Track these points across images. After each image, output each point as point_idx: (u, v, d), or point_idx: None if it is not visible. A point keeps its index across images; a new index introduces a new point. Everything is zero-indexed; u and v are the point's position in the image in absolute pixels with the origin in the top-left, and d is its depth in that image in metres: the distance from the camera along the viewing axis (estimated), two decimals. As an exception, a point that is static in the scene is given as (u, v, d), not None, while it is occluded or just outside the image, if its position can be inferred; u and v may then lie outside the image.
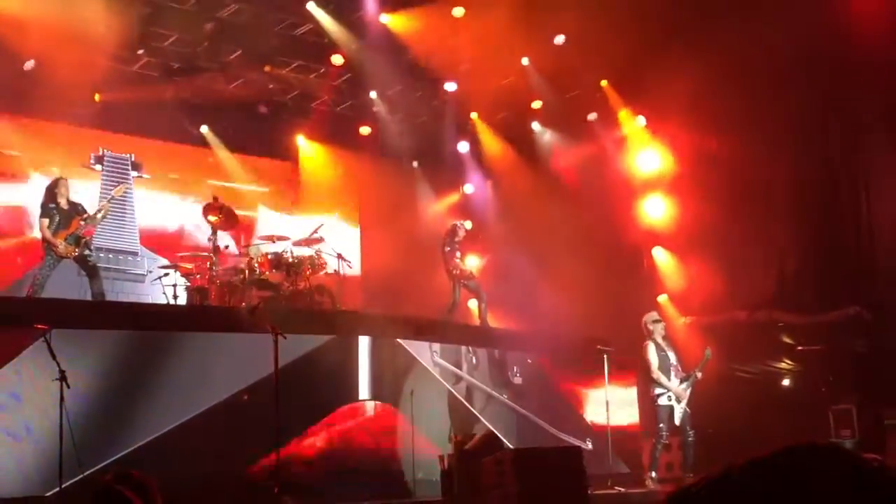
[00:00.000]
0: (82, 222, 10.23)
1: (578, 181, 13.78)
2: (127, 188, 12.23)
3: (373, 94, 13.83)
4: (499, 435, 10.37)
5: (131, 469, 3.54)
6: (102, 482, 3.42)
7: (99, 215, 10.67)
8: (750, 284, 12.53)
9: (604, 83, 13.51)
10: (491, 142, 14.46)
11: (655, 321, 10.59)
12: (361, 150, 14.38)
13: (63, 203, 10.24)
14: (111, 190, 11.70)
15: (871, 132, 11.61)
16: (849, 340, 11.71)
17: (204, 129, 13.36)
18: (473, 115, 14.33)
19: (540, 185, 14.22)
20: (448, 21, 12.15)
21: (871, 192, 11.71)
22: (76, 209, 10.34)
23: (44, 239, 10.13)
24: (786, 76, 11.35)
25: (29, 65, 11.28)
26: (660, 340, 10.45)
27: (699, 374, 10.38)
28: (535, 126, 14.38)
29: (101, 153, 12.88)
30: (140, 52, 12.15)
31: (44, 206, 10.23)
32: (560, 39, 12.56)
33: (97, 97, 12.04)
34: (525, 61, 13.24)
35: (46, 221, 10.11)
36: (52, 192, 10.31)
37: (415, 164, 14.87)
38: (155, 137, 13.14)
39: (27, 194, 11.90)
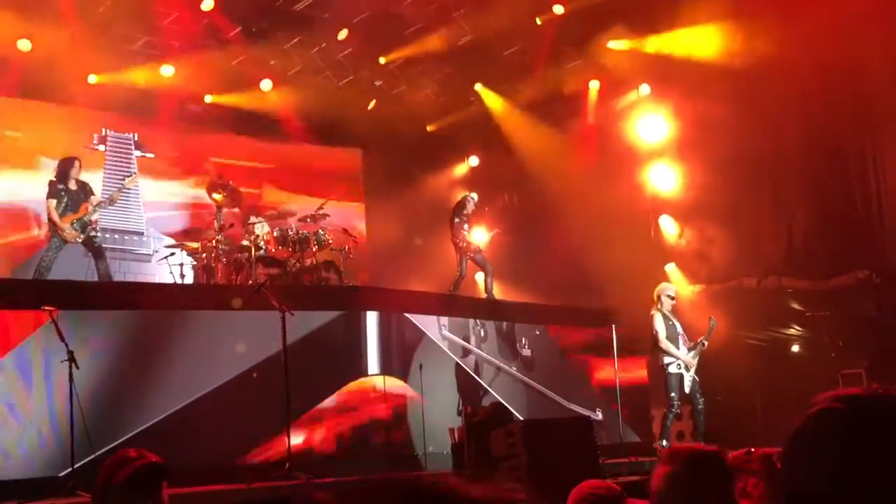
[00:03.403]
0: (91, 208, 10.15)
1: (584, 149, 13.68)
2: (137, 178, 12.13)
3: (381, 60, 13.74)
4: (508, 406, 10.37)
5: (139, 448, 3.51)
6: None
7: (107, 203, 10.64)
8: (758, 251, 12.46)
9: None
10: (495, 112, 14.36)
11: (669, 296, 10.53)
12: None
13: (72, 184, 10.13)
14: (116, 169, 11.64)
15: (879, 97, 11.47)
16: (858, 305, 11.65)
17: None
18: (477, 87, 14.24)
19: (545, 155, 14.13)
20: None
21: (879, 156, 11.60)
22: (84, 191, 10.23)
23: (50, 220, 10.08)
24: (794, 43, 11.21)
25: (24, 45, 11.22)
26: (667, 311, 10.42)
27: (706, 343, 10.36)
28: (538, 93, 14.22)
29: (103, 133, 12.83)
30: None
31: (52, 186, 10.08)
32: (559, 9, 12.41)
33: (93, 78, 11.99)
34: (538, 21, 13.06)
35: (54, 202, 9.99)
36: (64, 172, 10.15)
37: (430, 127, 14.80)
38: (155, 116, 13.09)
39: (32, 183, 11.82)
